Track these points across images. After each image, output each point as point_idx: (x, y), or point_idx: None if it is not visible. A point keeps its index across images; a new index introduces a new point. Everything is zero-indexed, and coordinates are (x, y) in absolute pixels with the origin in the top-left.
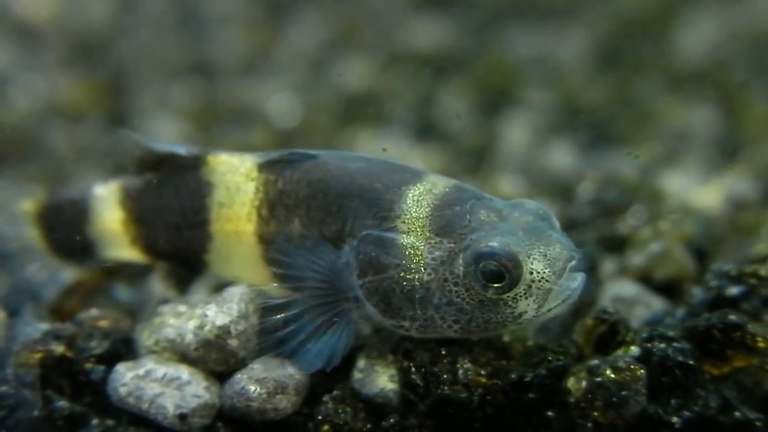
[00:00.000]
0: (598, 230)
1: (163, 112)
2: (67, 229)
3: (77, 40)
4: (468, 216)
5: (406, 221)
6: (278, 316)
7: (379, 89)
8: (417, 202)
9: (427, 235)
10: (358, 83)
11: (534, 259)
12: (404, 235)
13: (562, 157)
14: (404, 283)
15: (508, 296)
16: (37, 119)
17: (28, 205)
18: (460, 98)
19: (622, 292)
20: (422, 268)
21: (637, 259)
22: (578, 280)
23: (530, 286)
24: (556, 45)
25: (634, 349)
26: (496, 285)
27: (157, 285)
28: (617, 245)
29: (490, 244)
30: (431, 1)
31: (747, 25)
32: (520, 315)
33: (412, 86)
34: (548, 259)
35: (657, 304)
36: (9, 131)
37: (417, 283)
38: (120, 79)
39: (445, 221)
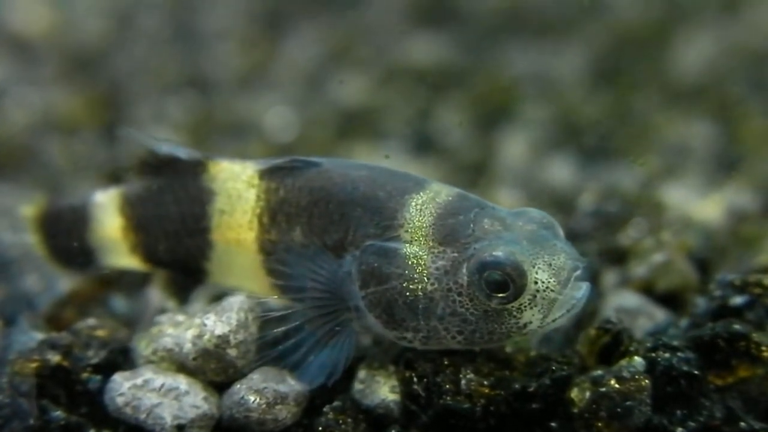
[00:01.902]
0: (599, 242)
1: (159, 126)
2: (66, 236)
3: (73, 54)
4: (471, 225)
5: (409, 230)
6: (278, 330)
7: (377, 104)
8: (420, 210)
9: (431, 244)
10: (355, 98)
11: (539, 268)
12: (407, 245)
13: (560, 171)
14: (407, 294)
15: (512, 306)
16: (34, 132)
17: (28, 210)
18: (458, 113)
19: (624, 303)
20: (425, 278)
21: (639, 270)
22: (583, 289)
23: (535, 296)
24: (554, 61)
25: (639, 359)
26: (500, 295)
27: (155, 295)
28: (618, 257)
29: (494, 253)
30: (428, 17)
31: (743, 41)
32: (525, 325)
33: (410, 101)
34: (553, 269)
35: (660, 314)
36: (5, 143)
37: (420, 293)
38: (116, 93)
39: (449, 230)
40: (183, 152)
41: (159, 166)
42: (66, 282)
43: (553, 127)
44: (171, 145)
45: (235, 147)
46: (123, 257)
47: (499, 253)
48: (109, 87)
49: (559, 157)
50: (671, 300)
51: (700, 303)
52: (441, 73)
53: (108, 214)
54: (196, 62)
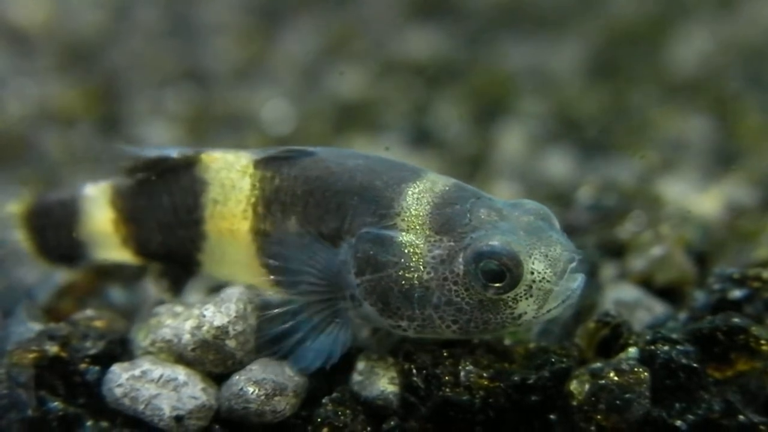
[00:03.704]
0: (597, 235)
1: (156, 118)
2: (55, 231)
3: (70, 46)
4: (468, 215)
5: (406, 219)
6: (278, 327)
7: (374, 97)
8: (417, 199)
9: (427, 233)
10: (352, 91)
11: (535, 259)
12: (404, 233)
13: (557, 165)
14: (403, 282)
15: (508, 296)
16: (30, 123)
17: (14, 207)
18: (455, 107)
19: (623, 296)
20: (421, 267)
21: (637, 263)
22: (578, 281)
23: (531, 287)
24: (551, 55)
25: (638, 352)
26: (496, 285)
27: (152, 287)
28: (616, 250)
29: (491, 243)
30: (425, 10)
31: (740, 36)
32: (520, 316)
33: (407, 95)
34: (549, 260)
35: (658, 308)
36: (2, 135)
37: (416, 281)
38: (113, 85)
39: (445, 219)
40: (173, 151)
41: (150, 167)
42: (63, 274)
43: (550, 121)
44: (160, 147)
45: (232, 139)
46: (114, 250)
47: (495, 242)
48: (106, 79)
49: (556, 151)
50: (670, 293)
51: (699, 296)
52: (438, 66)
53: (98, 206)
54: (193, 55)
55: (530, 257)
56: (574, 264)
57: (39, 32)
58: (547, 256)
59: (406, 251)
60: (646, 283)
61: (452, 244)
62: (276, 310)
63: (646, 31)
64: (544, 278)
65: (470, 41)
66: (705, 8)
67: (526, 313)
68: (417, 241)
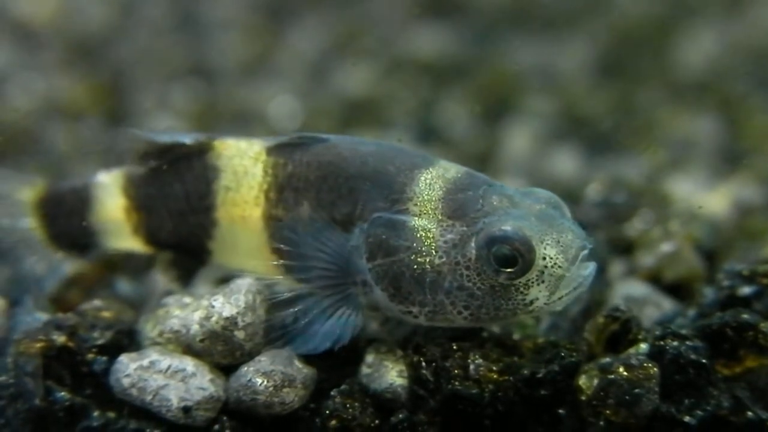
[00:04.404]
0: (606, 232)
1: (163, 113)
2: (67, 218)
3: (77, 41)
4: (480, 200)
5: (418, 203)
6: (287, 312)
7: (381, 95)
8: (429, 185)
9: (439, 217)
10: (358, 88)
11: (547, 244)
12: (416, 218)
13: (564, 163)
14: (415, 267)
15: (519, 282)
16: (37, 117)
17: (27, 194)
18: (463, 105)
19: (632, 292)
20: (433, 251)
21: (646, 259)
22: (590, 268)
23: (542, 272)
24: (558, 54)
25: (647, 347)
26: (508, 270)
27: (161, 278)
28: (626, 247)
29: (503, 227)
30: (433, 8)
31: (746, 38)
32: (532, 302)
33: (414, 92)
34: (561, 246)
35: (667, 304)
36: (9, 128)
37: (428, 266)
38: (119, 80)
39: (458, 204)
40: (187, 137)
41: (163, 153)
42: (71, 264)
43: (557, 119)
44: (173, 133)
45: (238, 135)
46: (125, 239)
47: (508, 227)
48: (112, 74)
49: (563, 149)
50: (678, 290)
51: (708, 293)
52: (445, 64)
53: (111, 194)
54: (200, 51)
55: (542, 243)
56: (585, 251)
57: (46, 27)
58: (558, 242)
59: (418, 236)
60: (654, 279)
61: (464, 228)
62: (285, 296)
63: (654, 31)
64: (555, 264)
65: (477, 39)
66: (712, 9)
67: (537, 299)
68: (429, 226)
